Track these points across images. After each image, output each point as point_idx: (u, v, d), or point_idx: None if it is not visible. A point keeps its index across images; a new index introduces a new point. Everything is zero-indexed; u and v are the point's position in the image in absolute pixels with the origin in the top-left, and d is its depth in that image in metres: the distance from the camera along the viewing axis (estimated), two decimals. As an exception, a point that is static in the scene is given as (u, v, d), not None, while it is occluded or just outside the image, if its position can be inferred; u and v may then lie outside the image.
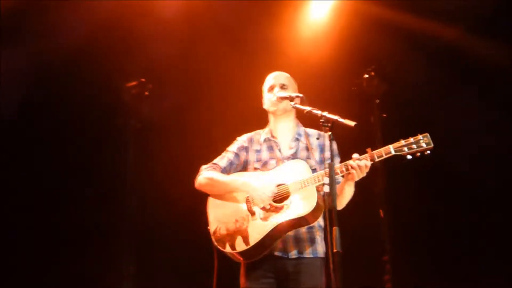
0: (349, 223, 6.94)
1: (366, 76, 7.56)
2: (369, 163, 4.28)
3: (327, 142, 4.23)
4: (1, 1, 7.13)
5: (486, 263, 7.22)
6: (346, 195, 4.46)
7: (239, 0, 7.67)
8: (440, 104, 7.60)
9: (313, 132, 4.79)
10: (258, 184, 4.51)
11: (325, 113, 4.06)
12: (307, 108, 4.28)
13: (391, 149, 4.28)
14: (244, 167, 4.80)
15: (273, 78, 4.83)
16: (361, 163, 4.26)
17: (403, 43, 7.58)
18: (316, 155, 4.67)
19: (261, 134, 4.85)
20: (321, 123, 4.05)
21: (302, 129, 4.81)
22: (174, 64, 7.80)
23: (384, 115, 7.39)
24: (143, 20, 7.59)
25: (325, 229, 4.46)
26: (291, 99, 4.54)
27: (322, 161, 4.62)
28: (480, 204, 7.39)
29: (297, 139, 4.74)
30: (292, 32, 7.99)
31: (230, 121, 7.28)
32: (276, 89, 4.74)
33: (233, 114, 7.42)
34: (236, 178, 4.65)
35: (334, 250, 3.77)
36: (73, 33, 7.41)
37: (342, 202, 4.47)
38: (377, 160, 4.29)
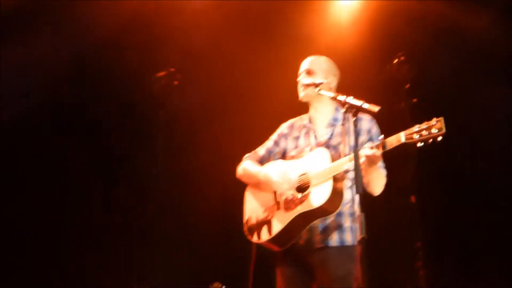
0: (381, 209, 7.01)
1: (396, 61, 7.49)
2: (378, 153, 4.19)
3: (365, 125, 4.22)
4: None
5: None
6: (372, 180, 4.41)
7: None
8: (472, 89, 7.48)
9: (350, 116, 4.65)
10: (277, 175, 4.52)
11: (349, 99, 4.02)
12: (331, 94, 4.27)
13: (402, 137, 4.14)
14: (283, 154, 4.79)
15: (301, 65, 4.80)
16: (369, 153, 4.19)
17: (435, 27, 7.49)
18: (352, 140, 4.56)
19: (303, 120, 4.81)
20: (345, 109, 4.00)
21: (340, 114, 4.70)
22: (205, 54, 7.81)
23: (414, 100, 7.32)
24: (173, 10, 7.63)
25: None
26: (315, 85, 4.51)
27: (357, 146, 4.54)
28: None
29: (333, 125, 4.68)
30: (322, 18, 7.94)
31: (259, 111, 7.28)
32: (302, 75, 4.71)
33: (262, 103, 7.41)
34: (260, 170, 4.67)
35: (360, 236, 3.72)
36: (105, 24, 7.46)
37: (372, 187, 4.45)
38: (388, 149, 4.18)
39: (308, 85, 4.59)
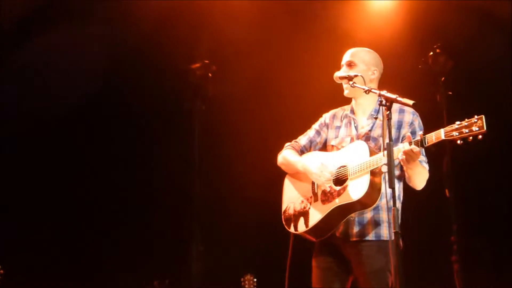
0: (417, 204, 6.98)
1: (432, 53, 7.43)
2: (417, 149, 4.11)
3: (408, 118, 4.19)
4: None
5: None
6: (413, 175, 4.34)
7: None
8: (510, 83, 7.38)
9: (395, 108, 4.53)
10: (315, 167, 4.47)
11: (384, 92, 3.98)
12: (366, 88, 4.24)
13: (441, 134, 4.09)
14: (324, 144, 4.78)
15: (343, 57, 4.78)
16: (407, 149, 4.13)
17: (473, 18, 7.38)
18: (393, 133, 4.39)
19: (345, 110, 4.80)
20: (380, 102, 3.99)
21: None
22: (240, 46, 7.79)
23: (450, 93, 7.25)
24: (209, 2, 7.62)
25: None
26: (349, 78, 4.48)
27: (397, 139, 4.47)
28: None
29: (374, 117, 4.61)
30: (359, 10, 7.87)
31: (297, 102, 7.27)
32: (343, 68, 4.68)
33: (301, 94, 7.40)
34: (299, 160, 4.64)
35: (394, 231, 3.71)
36: (142, 16, 7.51)
37: (414, 182, 4.38)
38: (427, 145, 4.14)
39: (342, 78, 4.57)
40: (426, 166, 4.41)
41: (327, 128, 4.77)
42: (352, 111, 4.70)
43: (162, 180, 7.90)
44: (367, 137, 4.53)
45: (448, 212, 7.20)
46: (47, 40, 7.47)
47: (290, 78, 7.66)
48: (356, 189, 4.29)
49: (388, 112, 3.89)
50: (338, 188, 4.39)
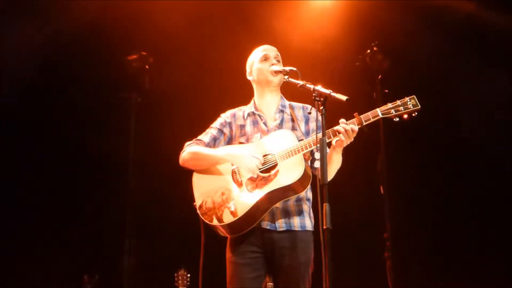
0: (350, 199, 7.03)
1: (369, 51, 7.50)
2: (356, 127, 4.19)
3: (313, 113, 4.18)
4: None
5: (488, 242, 7.18)
6: (334, 163, 4.35)
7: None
8: (446, 79, 7.51)
9: (297, 104, 4.70)
10: (244, 153, 4.44)
11: (318, 87, 3.99)
12: (300, 82, 4.21)
13: (378, 112, 4.22)
14: (228, 142, 4.72)
15: (266, 50, 4.70)
16: (347, 127, 4.19)
17: (411, 17, 7.49)
18: (302, 126, 4.57)
19: (244, 110, 4.78)
20: (313, 97, 3.97)
21: (286, 102, 4.71)
22: (178, 40, 7.74)
23: (386, 90, 7.33)
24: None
25: (314, 204, 4.36)
26: (285, 73, 4.46)
27: (307, 132, 4.55)
28: (485, 182, 7.33)
29: (282, 111, 4.65)
30: (297, 7, 7.91)
31: (230, 97, 7.23)
32: (273, 60, 4.65)
33: (233, 90, 7.37)
34: (221, 149, 4.59)
35: (324, 227, 3.70)
36: (78, 7, 7.43)
37: (330, 171, 4.34)
38: (364, 123, 4.21)
39: (278, 72, 4.54)
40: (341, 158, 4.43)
41: (230, 127, 4.73)
42: (256, 109, 4.69)
43: (97, 172, 7.78)
44: (278, 130, 4.56)
45: (381, 208, 7.28)
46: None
47: (225, 73, 7.61)
48: (290, 173, 4.28)
49: (322, 107, 3.90)
50: (268, 174, 4.37)
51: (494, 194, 7.28)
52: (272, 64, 4.60)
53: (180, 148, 4.74)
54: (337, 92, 3.94)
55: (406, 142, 7.34)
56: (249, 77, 4.78)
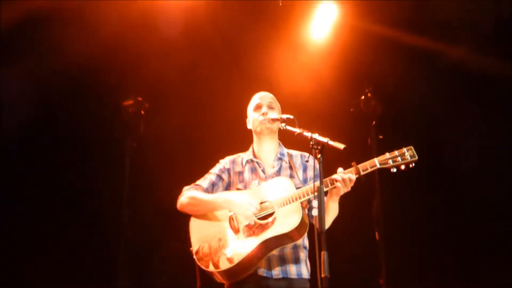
0: (346, 246, 7.01)
1: (363, 97, 7.56)
2: (353, 177, 4.23)
3: (311, 161, 4.19)
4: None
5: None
6: (331, 212, 4.38)
7: (241, 22, 7.65)
8: (439, 126, 7.56)
9: (295, 152, 4.74)
10: (241, 200, 4.44)
11: (315, 135, 4.02)
12: (298, 130, 4.23)
13: (376, 162, 4.26)
14: (226, 188, 4.73)
15: (259, 98, 4.76)
16: (345, 176, 4.21)
17: (404, 62, 7.54)
18: (300, 174, 4.60)
19: (242, 157, 4.80)
20: (311, 146, 4.00)
21: (284, 149, 4.75)
22: (173, 86, 7.77)
23: (381, 136, 7.37)
24: (144, 40, 7.59)
25: (311, 251, 4.35)
26: (282, 120, 4.48)
27: (305, 180, 4.57)
28: (478, 221, 7.33)
29: (280, 159, 4.68)
30: (292, 53, 7.95)
31: (222, 142, 7.27)
32: (264, 108, 4.67)
33: (227, 135, 7.40)
34: (219, 195, 4.60)
35: (323, 275, 3.70)
36: (75, 52, 7.41)
37: (327, 220, 4.35)
38: (362, 173, 4.25)
39: (275, 120, 4.57)
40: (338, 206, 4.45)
41: (228, 173, 4.75)
42: (254, 156, 4.72)
43: (92, 214, 7.72)
44: (276, 177, 4.58)
45: (377, 254, 7.26)
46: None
47: (220, 119, 7.66)
48: (287, 221, 4.29)
49: (320, 155, 3.93)
50: (265, 221, 4.37)
51: (491, 237, 7.27)
52: (263, 113, 4.63)
53: (174, 194, 4.75)
54: (333, 139, 3.98)
55: (401, 187, 7.35)
56: (248, 125, 4.82)
